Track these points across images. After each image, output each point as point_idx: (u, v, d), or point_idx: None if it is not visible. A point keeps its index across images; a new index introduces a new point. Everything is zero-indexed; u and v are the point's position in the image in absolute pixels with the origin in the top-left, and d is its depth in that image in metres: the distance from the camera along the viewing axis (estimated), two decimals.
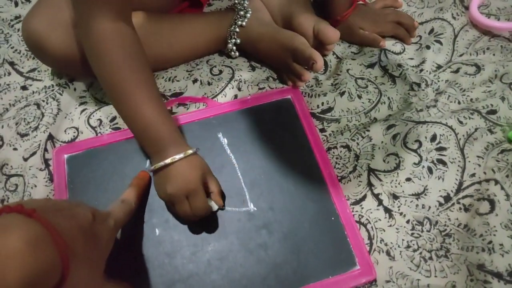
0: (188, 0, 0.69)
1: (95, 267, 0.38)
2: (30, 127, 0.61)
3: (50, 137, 0.60)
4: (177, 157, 0.48)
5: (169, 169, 0.49)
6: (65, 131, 0.61)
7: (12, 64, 0.67)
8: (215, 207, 0.51)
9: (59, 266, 0.31)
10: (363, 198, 0.54)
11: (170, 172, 0.48)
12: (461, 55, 0.65)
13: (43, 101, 0.63)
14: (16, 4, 0.72)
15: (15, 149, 0.60)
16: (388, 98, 0.62)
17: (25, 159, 0.59)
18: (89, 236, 0.37)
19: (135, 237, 0.53)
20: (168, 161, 0.48)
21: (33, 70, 0.66)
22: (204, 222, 0.53)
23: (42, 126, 0.61)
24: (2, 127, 0.62)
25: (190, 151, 0.49)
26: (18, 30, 0.70)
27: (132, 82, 0.49)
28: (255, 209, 0.54)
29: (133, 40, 0.51)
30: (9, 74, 0.66)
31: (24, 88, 0.65)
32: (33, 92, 0.64)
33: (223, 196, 0.54)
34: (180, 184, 0.48)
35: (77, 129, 0.61)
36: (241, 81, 0.65)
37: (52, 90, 0.64)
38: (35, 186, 0.57)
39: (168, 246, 0.52)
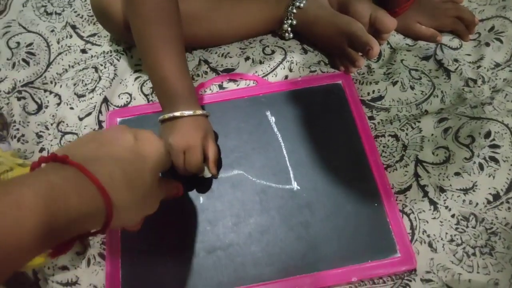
0: None
1: (140, 198, 0.36)
2: (87, 88, 0.64)
3: (105, 100, 0.62)
4: (186, 113, 0.50)
5: (175, 121, 0.50)
6: (119, 95, 0.63)
7: (74, 27, 0.70)
8: (207, 174, 0.52)
9: (103, 210, 0.31)
10: (408, 188, 0.54)
11: (176, 125, 0.50)
12: None
13: (101, 65, 0.66)
14: None
15: (71, 108, 0.62)
16: (442, 91, 0.61)
17: (80, 119, 0.61)
18: (132, 160, 0.36)
19: (181, 203, 0.54)
20: (177, 114, 0.50)
21: (93, 35, 0.69)
22: (246, 197, 0.54)
23: (99, 89, 0.63)
24: (61, 86, 0.64)
25: (199, 112, 0.51)
26: None
27: (159, 36, 0.51)
28: (299, 188, 0.55)
29: None
30: (71, 37, 0.69)
31: (83, 51, 0.67)
32: (92, 56, 0.67)
33: (219, 166, 0.55)
34: (181, 138, 0.49)
35: (130, 95, 0.63)
36: (292, 63, 0.65)
37: (110, 56, 0.67)
38: None
39: (211, 215, 0.53)
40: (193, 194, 0.54)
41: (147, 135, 0.39)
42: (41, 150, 0.59)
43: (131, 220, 0.37)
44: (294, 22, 0.65)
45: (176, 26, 0.52)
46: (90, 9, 0.71)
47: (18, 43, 0.68)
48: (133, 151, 0.36)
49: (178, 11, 0.53)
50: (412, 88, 0.61)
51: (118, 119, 0.61)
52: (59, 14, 0.71)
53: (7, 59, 0.66)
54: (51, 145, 0.60)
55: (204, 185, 0.55)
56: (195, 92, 0.53)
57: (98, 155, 0.33)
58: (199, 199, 0.54)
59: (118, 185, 0.32)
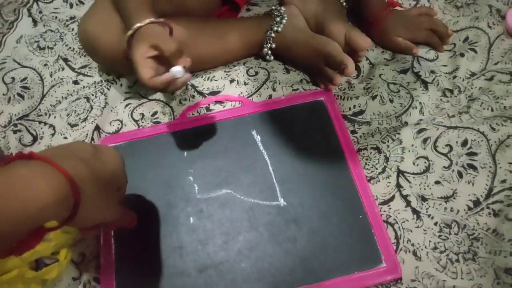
0: (228, 3, 0.73)
1: (102, 193, 0.40)
2: (80, 118, 0.66)
3: (97, 128, 0.65)
4: (135, 26, 0.51)
5: (133, 39, 0.52)
6: (110, 123, 0.66)
7: (66, 60, 0.73)
8: (178, 73, 0.50)
9: (70, 196, 0.35)
10: (391, 198, 0.56)
11: (134, 41, 0.52)
12: (496, 64, 0.65)
13: (92, 95, 0.68)
14: (71, 6, 0.78)
15: (65, 137, 0.65)
16: (420, 103, 0.63)
17: None
18: (94, 161, 0.40)
19: (171, 224, 0.56)
20: (129, 32, 0.52)
21: (84, 66, 0.72)
22: (235, 215, 0.55)
23: (90, 118, 0.66)
24: (55, 117, 0.67)
25: (147, 20, 0.52)
26: (73, 29, 0.76)
27: None
28: (285, 203, 0.57)
29: None
30: (63, 69, 0.72)
31: (75, 82, 0.70)
32: (84, 87, 0.70)
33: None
34: (139, 46, 0.50)
35: (121, 121, 0.66)
36: (275, 82, 0.67)
37: (101, 85, 0.69)
38: None
39: (201, 234, 0.55)
40: (183, 214, 0.56)
41: (106, 147, 0.44)
42: None
43: (94, 217, 0.40)
44: (274, 45, 0.68)
45: None
46: None
47: (13, 78, 0.71)
48: (94, 156, 0.40)
49: None
50: (391, 101, 0.63)
51: (110, 145, 0.63)
52: (51, 48, 0.74)
53: (3, 94, 0.70)
54: None
55: (194, 206, 0.57)
56: (148, 6, 0.54)
57: (64, 153, 0.37)
58: (190, 220, 0.56)
59: (82, 175, 0.36)
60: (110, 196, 0.43)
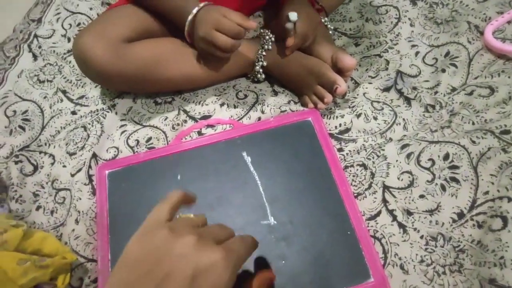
0: None
1: None
2: (78, 147, 0.69)
3: (94, 156, 0.68)
4: (194, 11, 0.62)
5: (195, 21, 0.63)
6: (107, 150, 0.68)
7: (64, 92, 0.76)
8: (251, 24, 0.59)
9: None
10: (378, 214, 0.57)
11: (196, 23, 0.63)
12: (476, 78, 0.67)
13: (89, 124, 0.71)
14: (69, 40, 0.82)
15: (64, 166, 0.68)
16: (404, 119, 0.65)
17: (72, 175, 0.66)
18: None
19: None
20: (189, 17, 0.63)
21: (81, 97, 0.75)
22: None
23: (88, 146, 0.69)
24: (54, 147, 0.70)
25: (202, 4, 0.62)
26: (70, 62, 0.80)
27: None
28: (275, 222, 0.58)
29: None
30: (62, 101, 0.75)
31: (73, 113, 0.74)
32: (81, 116, 0.73)
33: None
34: (206, 25, 0.61)
35: (117, 148, 0.68)
36: (264, 105, 0.70)
37: (97, 114, 0.73)
38: (80, 199, 0.64)
39: None
40: None
41: (214, 264, 0.32)
42: (38, 208, 0.64)
43: None
44: (265, 63, 0.71)
45: None
46: (78, 74, 0.78)
47: (15, 111, 0.75)
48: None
49: None
50: (375, 118, 0.66)
51: (107, 171, 0.66)
52: (51, 81, 0.78)
53: (5, 127, 0.73)
54: (47, 202, 0.65)
55: None
56: None
57: None
58: None
59: None
60: None
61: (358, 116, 0.66)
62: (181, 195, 0.39)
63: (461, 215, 0.54)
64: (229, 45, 0.60)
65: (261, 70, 0.72)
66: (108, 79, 0.64)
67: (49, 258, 0.55)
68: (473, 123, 0.61)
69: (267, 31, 0.72)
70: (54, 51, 0.81)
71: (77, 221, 0.62)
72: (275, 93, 0.72)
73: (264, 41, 0.71)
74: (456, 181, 0.57)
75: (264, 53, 0.70)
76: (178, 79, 0.69)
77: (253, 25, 0.59)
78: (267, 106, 0.70)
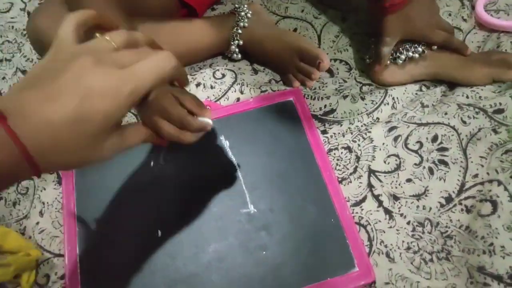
0: (186, 8, 0.70)
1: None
2: None
3: None
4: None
5: None
6: None
7: (24, 72, 0.70)
8: (206, 120, 0.44)
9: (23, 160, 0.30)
10: (363, 199, 0.54)
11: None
12: None
13: None
14: (29, 14, 0.75)
15: None
16: (393, 98, 0.61)
17: None
18: (71, 128, 0.31)
19: (138, 238, 0.54)
20: None
21: None
22: (203, 224, 0.54)
23: None
24: None
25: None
26: None
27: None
28: (255, 210, 0.55)
29: None
30: None
31: None
32: None
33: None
34: (151, 111, 0.44)
35: None
36: (243, 85, 0.65)
37: None
38: (44, 189, 0.59)
39: (170, 248, 0.53)
40: (151, 227, 0.54)
41: (103, 80, 0.31)
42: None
43: (68, 164, 0.34)
44: (241, 42, 0.66)
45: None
46: None
47: None
48: (77, 112, 0.30)
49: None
50: (363, 98, 0.62)
51: None
52: (9, 60, 0.71)
53: None
54: (8, 192, 0.60)
55: (162, 217, 0.55)
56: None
57: (32, 112, 0.30)
58: (158, 232, 0.54)
59: (45, 148, 0.30)
60: (89, 152, 0.33)
61: (345, 97, 0.62)
62: (88, 14, 0.36)
63: (449, 199, 0.52)
64: (174, 137, 0.43)
65: (237, 50, 0.67)
66: None
67: (11, 255, 0.50)
68: (467, 97, 0.58)
69: (243, 6, 0.67)
70: (12, 27, 0.74)
71: (41, 213, 0.57)
72: (255, 72, 0.67)
73: (240, 17, 0.66)
74: (445, 163, 0.54)
75: (240, 31, 0.65)
76: None
77: (209, 117, 0.45)
78: (247, 86, 0.65)
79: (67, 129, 0.31)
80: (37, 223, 0.57)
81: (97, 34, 0.36)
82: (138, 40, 0.37)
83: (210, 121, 0.44)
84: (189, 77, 0.67)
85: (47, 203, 0.58)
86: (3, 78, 0.70)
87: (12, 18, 0.75)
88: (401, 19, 0.58)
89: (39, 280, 0.53)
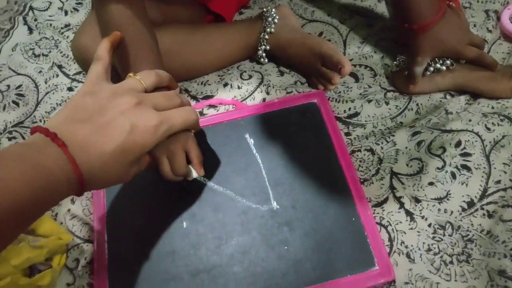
0: (213, 15, 0.73)
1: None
2: None
3: None
4: None
5: None
6: None
7: (60, 67, 0.73)
8: (194, 174, 0.52)
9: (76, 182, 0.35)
10: (385, 200, 0.55)
11: None
12: None
13: None
14: (66, 13, 0.79)
15: None
16: (417, 104, 0.62)
17: None
18: (117, 157, 0.37)
19: (164, 228, 0.56)
20: None
21: (78, 73, 0.72)
22: (227, 218, 0.55)
23: None
24: None
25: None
26: (67, 37, 0.76)
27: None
28: (278, 207, 0.56)
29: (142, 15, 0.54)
30: (57, 76, 0.72)
31: (70, 89, 0.71)
32: None
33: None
34: (162, 145, 0.47)
35: None
36: (269, 86, 0.67)
37: None
38: None
39: (194, 238, 0.55)
40: (177, 219, 0.56)
41: (145, 120, 0.38)
42: None
43: (104, 186, 0.41)
44: (268, 47, 0.68)
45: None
46: None
47: (8, 86, 0.72)
48: (124, 145, 0.36)
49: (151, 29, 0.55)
50: (387, 103, 0.63)
51: None
52: (46, 55, 0.74)
53: None
54: None
55: (186, 211, 0.57)
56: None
57: (87, 143, 0.35)
58: (183, 224, 0.56)
59: (94, 174, 0.36)
60: (122, 175, 0.40)
61: (369, 101, 0.63)
62: (107, 50, 0.43)
63: (471, 204, 0.53)
64: (169, 177, 0.50)
65: (264, 54, 0.69)
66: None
67: (44, 238, 0.53)
68: (492, 107, 0.59)
69: (270, 10, 0.69)
70: (50, 24, 0.78)
71: (73, 201, 0.60)
72: (281, 74, 0.69)
73: (267, 23, 0.67)
74: (468, 168, 0.55)
75: (266, 36, 0.67)
76: (180, 71, 0.66)
77: (200, 174, 0.52)
78: (272, 87, 0.67)
79: (114, 159, 0.37)
80: (68, 210, 0.59)
81: (130, 74, 0.43)
82: (163, 78, 0.45)
83: (195, 176, 0.52)
84: (217, 77, 0.70)
85: None
86: (40, 71, 0.73)
87: (50, 16, 0.79)
88: (432, 39, 0.59)
89: (69, 264, 0.55)
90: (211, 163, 0.60)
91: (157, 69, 0.46)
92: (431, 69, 0.61)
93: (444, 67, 0.61)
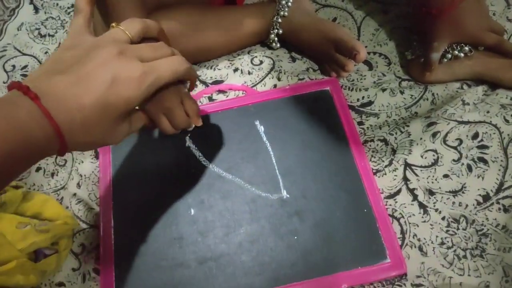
0: None
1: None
2: None
3: None
4: None
5: None
6: None
7: None
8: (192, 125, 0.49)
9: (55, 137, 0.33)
10: (398, 192, 0.54)
11: None
12: None
13: None
14: None
15: None
16: (433, 94, 0.61)
17: None
18: (99, 111, 0.35)
19: (171, 215, 0.55)
20: None
21: None
22: (236, 206, 0.54)
23: None
24: None
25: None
26: None
27: None
28: (288, 196, 0.55)
29: None
30: None
31: None
32: None
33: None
34: (157, 102, 0.44)
35: None
36: (281, 72, 0.65)
37: None
38: (82, 162, 0.61)
39: (202, 226, 0.54)
40: (184, 205, 0.55)
41: (128, 71, 0.35)
42: (38, 169, 0.61)
43: (89, 145, 0.38)
44: (280, 31, 0.66)
45: None
46: None
47: (14, 66, 0.70)
48: (105, 98, 0.34)
49: None
50: (402, 92, 0.61)
51: None
52: (52, 36, 0.73)
53: (3, 82, 0.69)
54: (47, 163, 0.61)
55: (194, 197, 0.56)
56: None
57: (66, 95, 0.33)
58: (190, 211, 0.55)
59: (74, 129, 0.33)
60: (108, 133, 0.37)
61: (384, 90, 0.62)
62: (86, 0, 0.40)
63: (486, 197, 0.51)
64: (170, 133, 0.48)
65: (276, 39, 0.67)
66: None
67: (50, 222, 0.52)
68: (511, 99, 0.57)
69: None
70: (57, 4, 0.76)
71: (79, 185, 0.59)
72: (293, 60, 0.67)
73: (280, 6, 0.65)
74: (484, 161, 0.53)
75: (280, 20, 0.65)
76: (193, 53, 0.64)
77: (199, 124, 0.49)
78: (284, 73, 0.65)
79: (96, 113, 0.34)
80: (74, 194, 0.58)
81: (113, 25, 0.39)
82: (151, 28, 0.41)
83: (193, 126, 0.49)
84: (227, 62, 0.68)
85: (84, 175, 0.60)
86: (46, 52, 0.71)
87: None
88: (450, 24, 0.57)
89: (74, 248, 0.55)
90: (220, 150, 0.59)
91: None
92: (449, 56, 0.59)
93: (462, 54, 0.59)
